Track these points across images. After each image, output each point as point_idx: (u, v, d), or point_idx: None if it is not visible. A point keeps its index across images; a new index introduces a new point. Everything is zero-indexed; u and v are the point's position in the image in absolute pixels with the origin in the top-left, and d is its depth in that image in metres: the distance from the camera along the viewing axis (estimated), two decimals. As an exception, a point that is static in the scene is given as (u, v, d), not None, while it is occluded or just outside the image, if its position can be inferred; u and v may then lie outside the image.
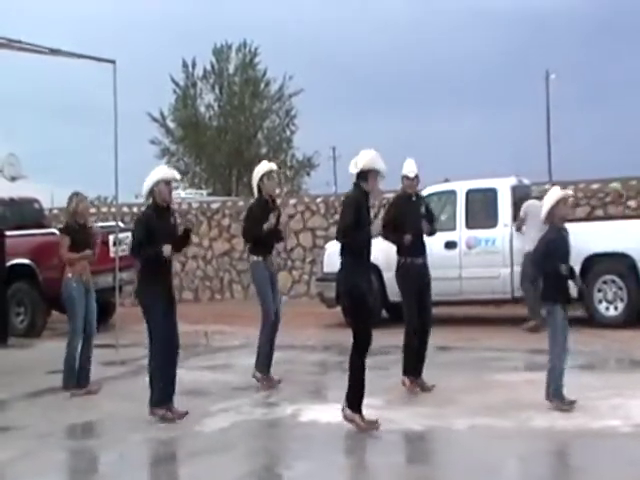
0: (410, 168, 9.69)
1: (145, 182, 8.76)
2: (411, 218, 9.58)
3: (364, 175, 7.94)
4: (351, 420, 7.85)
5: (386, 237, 9.65)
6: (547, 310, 8.40)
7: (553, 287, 8.33)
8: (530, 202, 14.02)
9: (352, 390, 7.89)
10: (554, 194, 8.47)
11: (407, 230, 9.45)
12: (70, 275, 10.12)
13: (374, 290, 8.47)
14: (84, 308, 10.10)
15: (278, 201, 10.77)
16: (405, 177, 9.70)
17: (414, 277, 9.53)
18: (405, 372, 9.46)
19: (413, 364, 9.46)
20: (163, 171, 8.91)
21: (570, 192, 8.80)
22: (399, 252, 9.61)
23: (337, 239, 8.18)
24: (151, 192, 8.70)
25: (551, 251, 8.34)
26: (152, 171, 8.79)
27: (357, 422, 7.84)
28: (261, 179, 10.16)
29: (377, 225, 8.04)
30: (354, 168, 7.97)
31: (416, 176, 9.71)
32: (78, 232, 10.23)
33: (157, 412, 8.53)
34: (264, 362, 9.96)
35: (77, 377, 10.03)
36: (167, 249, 8.51)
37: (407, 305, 9.59)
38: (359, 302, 7.90)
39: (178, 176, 9.30)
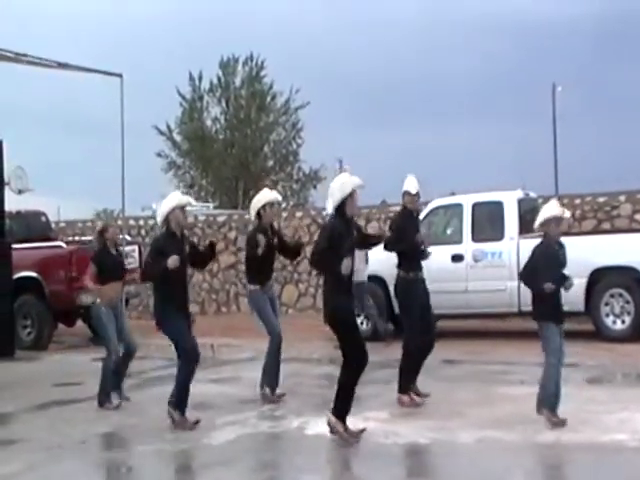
0: (412, 184, 9.69)
1: (160, 209, 8.86)
2: (412, 234, 9.61)
3: (340, 206, 7.96)
4: (334, 428, 7.90)
5: (393, 248, 9.64)
6: (541, 327, 8.21)
7: (546, 305, 8.14)
8: None
9: (339, 402, 7.96)
10: (552, 208, 8.28)
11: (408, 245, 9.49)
12: (98, 301, 9.98)
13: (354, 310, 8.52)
14: (115, 330, 9.99)
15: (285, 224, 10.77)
16: (407, 193, 9.70)
17: (418, 292, 9.54)
18: (402, 390, 9.44)
19: (410, 381, 9.46)
20: (178, 197, 8.98)
21: (567, 214, 8.64)
22: (401, 266, 9.60)
23: (310, 263, 8.33)
24: (166, 219, 8.76)
25: (546, 266, 8.18)
26: (166, 198, 8.90)
27: (340, 432, 7.88)
28: (263, 207, 10.14)
29: (346, 265, 7.88)
30: (330, 207, 8.05)
31: (417, 192, 9.72)
32: (107, 260, 10.08)
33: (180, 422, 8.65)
34: (272, 380, 10.00)
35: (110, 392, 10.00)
36: (173, 260, 8.53)
37: (410, 322, 9.55)
38: (344, 323, 7.98)
39: (193, 201, 9.36)
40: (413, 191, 9.66)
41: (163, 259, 8.53)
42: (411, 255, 9.57)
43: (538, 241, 8.44)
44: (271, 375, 9.97)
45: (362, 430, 8.12)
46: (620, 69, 71.31)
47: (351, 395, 7.99)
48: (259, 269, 10.09)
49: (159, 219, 8.89)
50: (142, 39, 62.65)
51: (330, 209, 8.08)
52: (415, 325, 9.45)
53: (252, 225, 10.84)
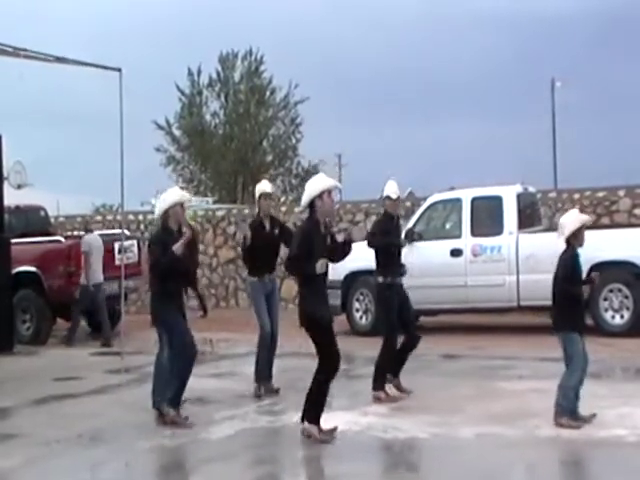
0: (392, 189, 9.77)
1: (159, 204, 8.82)
2: (394, 237, 9.75)
3: (312, 206, 7.90)
4: (309, 434, 7.81)
5: (377, 244, 9.67)
6: (565, 338, 8.05)
7: (572, 313, 8.05)
8: (91, 236, 15.25)
9: (312, 407, 7.85)
10: (578, 217, 8.29)
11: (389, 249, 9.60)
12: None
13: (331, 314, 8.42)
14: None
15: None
16: (387, 198, 9.78)
17: (394, 296, 9.59)
18: (377, 387, 9.42)
19: (385, 380, 9.48)
20: (178, 194, 8.94)
21: (589, 218, 8.68)
22: (381, 272, 9.64)
23: (285, 269, 8.20)
24: (166, 213, 8.73)
25: (574, 273, 8.17)
26: (166, 193, 8.86)
27: (314, 435, 7.79)
28: (258, 199, 10.23)
29: (322, 264, 7.82)
30: (303, 204, 8.00)
31: (398, 197, 9.79)
32: None
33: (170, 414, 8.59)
34: (263, 373, 10.03)
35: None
36: (177, 247, 8.54)
37: (389, 323, 9.60)
38: (319, 329, 7.86)
39: (190, 197, 9.36)
40: (394, 196, 9.77)
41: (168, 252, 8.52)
42: (388, 261, 9.63)
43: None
44: (262, 369, 9.99)
45: (334, 429, 8.04)
46: (619, 64, 71.21)
47: (324, 399, 7.89)
48: (255, 261, 10.09)
49: (157, 213, 8.85)
50: (141, 34, 62.51)
51: (302, 207, 8.05)
52: (394, 325, 9.54)
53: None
